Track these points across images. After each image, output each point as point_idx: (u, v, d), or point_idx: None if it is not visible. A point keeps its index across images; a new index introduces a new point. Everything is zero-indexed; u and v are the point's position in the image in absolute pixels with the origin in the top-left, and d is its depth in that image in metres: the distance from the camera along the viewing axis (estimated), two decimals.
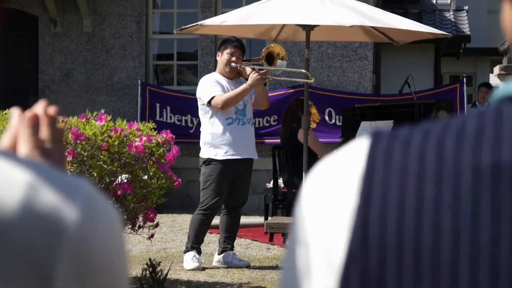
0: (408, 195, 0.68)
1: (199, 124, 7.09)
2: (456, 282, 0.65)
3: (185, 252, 6.88)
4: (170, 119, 11.65)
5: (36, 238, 0.72)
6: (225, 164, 6.72)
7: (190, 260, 6.76)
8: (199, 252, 6.85)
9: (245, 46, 7.17)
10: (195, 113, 11.40)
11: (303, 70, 7.25)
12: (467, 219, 0.66)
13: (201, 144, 6.89)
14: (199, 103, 6.88)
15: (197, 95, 6.90)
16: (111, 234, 0.77)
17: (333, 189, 0.72)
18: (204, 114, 6.86)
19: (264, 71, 6.72)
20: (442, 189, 0.67)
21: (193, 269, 6.69)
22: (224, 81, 6.84)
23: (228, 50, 6.86)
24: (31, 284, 0.72)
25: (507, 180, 0.66)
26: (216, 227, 7.43)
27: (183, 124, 11.60)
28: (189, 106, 11.36)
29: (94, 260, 0.74)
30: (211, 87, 6.76)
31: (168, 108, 11.68)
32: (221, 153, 6.73)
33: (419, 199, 0.68)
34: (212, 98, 6.68)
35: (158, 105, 11.71)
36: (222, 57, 6.90)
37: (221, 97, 6.66)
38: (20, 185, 0.74)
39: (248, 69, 6.74)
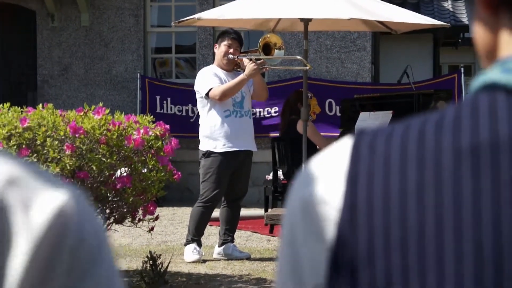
0: (392, 178, 0.72)
1: (199, 114, 7.09)
2: (442, 256, 0.68)
3: (185, 244, 6.88)
4: (171, 110, 11.65)
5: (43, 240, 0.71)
6: (224, 156, 6.72)
7: (190, 252, 6.77)
8: (199, 244, 6.86)
9: (242, 38, 7.16)
10: (195, 103, 11.43)
11: (299, 57, 7.25)
12: (449, 196, 0.69)
13: (200, 137, 6.90)
14: (198, 96, 6.88)
15: (195, 88, 6.91)
16: (96, 235, 0.75)
17: (321, 178, 0.75)
18: (202, 107, 6.87)
19: (261, 61, 6.72)
20: (424, 170, 0.71)
21: (193, 262, 6.70)
22: (222, 74, 6.84)
23: (225, 42, 6.86)
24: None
25: (486, 158, 0.69)
26: (216, 219, 7.44)
27: (184, 114, 11.60)
28: (189, 97, 11.34)
29: (60, 259, 0.73)
30: (208, 79, 6.76)
31: (169, 99, 11.68)
32: (219, 146, 6.74)
33: (402, 181, 0.71)
34: (210, 90, 6.69)
35: (158, 97, 11.71)
36: (220, 49, 6.90)
37: (219, 88, 6.66)
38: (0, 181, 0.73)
39: (245, 60, 6.73)
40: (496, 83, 0.74)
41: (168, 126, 5.30)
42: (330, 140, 8.66)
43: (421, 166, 0.71)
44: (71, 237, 0.73)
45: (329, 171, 0.75)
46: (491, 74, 0.75)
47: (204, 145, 6.82)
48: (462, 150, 0.70)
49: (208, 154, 6.78)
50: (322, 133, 8.91)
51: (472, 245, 0.67)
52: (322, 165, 0.76)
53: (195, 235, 6.83)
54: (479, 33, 0.80)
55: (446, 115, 0.74)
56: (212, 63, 7.22)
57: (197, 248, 6.81)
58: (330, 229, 0.73)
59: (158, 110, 11.50)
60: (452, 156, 0.70)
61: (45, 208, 0.73)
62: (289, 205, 0.78)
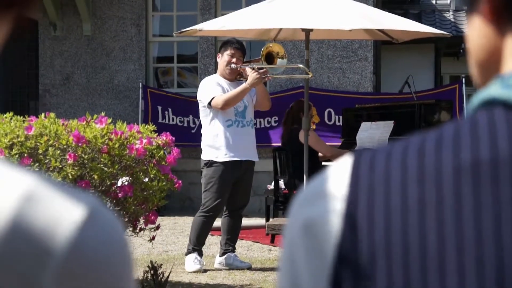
0: (392, 196, 0.72)
1: (200, 125, 7.11)
2: (444, 272, 0.68)
3: (186, 254, 6.88)
4: (172, 120, 11.67)
5: (25, 254, 0.70)
6: (226, 166, 6.72)
7: (191, 262, 6.76)
8: (200, 254, 6.85)
9: (245, 47, 7.17)
10: (196, 114, 11.41)
11: (301, 66, 7.24)
12: (450, 213, 0.69)
13: (202, 146, 6.90)
14: (200, 105, 6.89)
15: (198, 98, 6.91)
16: (113, 253, 0.74)
17: (322, 198, 0.76)
18: (205, 116, 6.87)
19: (263, 70, 6.73)
20: (424, 187, 0.71)
21: (194, 272, 6.70)
22: (224, 83, 6.85)
23: (228, 52, 6.87)
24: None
25: (487, 175, 0.69)
26: (217, 229, 7.43)
27: (185, 125, 11.62)
28: (191, 107, 11.39)
29: (87, 279, 0.72)
30: (211, 88, 6.77)
31: (170, 110, 11.70)
32: (221, 155, 6.75)
33: (403, 198, 0.71)
34: (212, 99, 6.70)
35: (159, 107, 11.72)
36: (223, 59, 6.91)
37: (221, 97, 6.67)
38: (16, 197, 0.72)
39: (248, 69, 6.75)
40: (496, 99, 0.74)
41: (173, 138, 5.32)
42: (333, 148, 8.66)
43: (421, 182, 0.71)
44: (91, 256, 0.72)
45: (329, 190, 0.75)
46: (491, 90, 0.75)
47: (206, 154, 6.83)
48: (462, 167, 0.70)
49: (210, 163, 6.78)
50: None
51: (474, 262, 0.68)
52: (322, 184, 0.77)
53: (196, 245, 6.83)
54: (477, 43, 0.79)
55: (445, 132, 0.74)
56: (214, 73, 7.23)
57: (198, 257, 6.80)
58: (331, 247, 0.73)
59: (160, 120, 11.51)
60: (452, 173, 0.70)
61: (65, 228, 0.72)
62: (289, 224, 0.78)
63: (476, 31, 0.79)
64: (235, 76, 6.91)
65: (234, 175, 6.75)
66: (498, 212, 0.68)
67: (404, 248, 0.70)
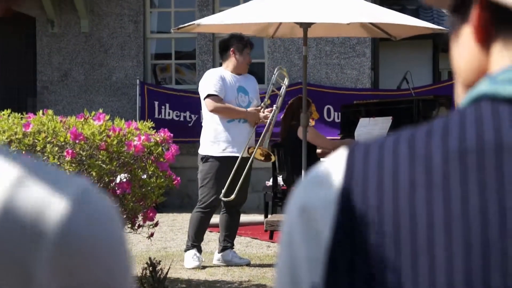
0: (385, 179, 0.77)
1: (197, 119, 7.13)
2: (432, 250, 0.73)
3: (185, 250, 6.88)
4: (169, 115, 11.66)
5: (17, 237, 0.72)
6: (222, 161, 6.72)
7: (190, 259, 6.77)
8: (199, 250, 6.86)
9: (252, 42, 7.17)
10: (193, 109, 11.45)
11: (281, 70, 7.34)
12: (439, 194, 0.74)
13: (200, 140, 6.91)
14: (201, 98, 6.89)
15: (199, 90, 6.93)
16: (105, 232, 0.76)
17: (319, 184, 0.80)
18: (206, 109, 6.87)
19: (266, 115, 6.84)
20: (415, 170, 0.76)
21: (193, 268, 6.70)
22: (229, 76, 6.83)
23: (248, 51, 6.94)
24: (12, 283, 0.72)
25: (473, 161, 0.75)
26: (216, 225, 7.43)
27: (182, 119, 11.61)
28: (188, 103, 11.38)
29: (80, 259, 0.74)
30: (211, 83, 6.76)
31: (167, 105, 11.70)
32: (219, 150, 6.75)
33: (394, 181, 0.76)
34: (208, 95, 6.71)
35: (156, 103, 11.72)
36: (242, 57, 6.88)
37: (216, 103, 6.69)
38: (6, 180, 0.74)
39: (264, 107, 6.89)
40: (485, 94, 0.78)
41: (172, 134, 5.32)
42: (334, 140, 8.66)
43: (412, 166, 0.76)
44: (82, 236, 0.74)
45: (326, 177, 0.80)
46: (480, 87, 0.79)
47: (203, 149, 6.84)
48: (450, 153, 0.76)
49: (206, 158, 6.79)
50: None
51: (461, 240, 0.72)
52: (320, 172, 0.81)
53: (195, 241, 6.83)
54: (466, 64, 0.83)
55: (435, 124, 0.79)
56: (212, 68, 7.23)
57: (197, 254, 6.80)
58: (326, 230, 0.77)
59: (156, 116, 11.50)
60: (441, 158, 0.76)
61: (56, 209, 0.74)
62: (288, 209, 0.82)
63: (464, 52, 0.84)
64: (247, 71, 6.99)
65: (230, 170, 6.74)
66: (483, 194, 0.73)
67: (396, 227, 0.75)
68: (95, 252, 0.75)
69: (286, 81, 7.30)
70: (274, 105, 7.09)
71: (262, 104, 6.93)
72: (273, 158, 7.25)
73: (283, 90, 7.26)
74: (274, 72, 7.33)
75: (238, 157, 6.75)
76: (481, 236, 0.72)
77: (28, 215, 0.73)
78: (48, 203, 0.74)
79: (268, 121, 6.89)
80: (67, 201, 0.74)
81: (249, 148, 6.81)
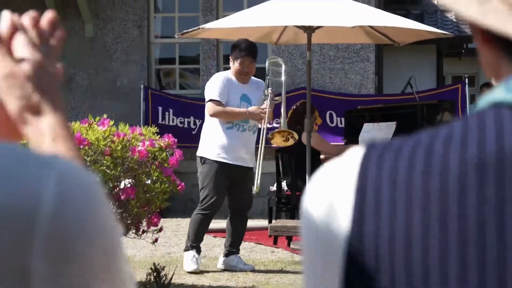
0: (398, 189, 0.75)
1: (201, 126, 7.13)
2: (446, 261, 0.72)
3: (185, 250, 6.88)
4: (173, 121, 11.66)
5: (9, 227, 0.74)
6: (218, 164, 6.74)
7: (189, 261, 6.76)
8: (198, 251, 6.85)
9: (255, 47, 6.99)
10: (197, 115, 11.44)
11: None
12: (454, 206, 0.72)
13: (199, 141, 6.95)
14: (206, 100, 6.91)
15: (205, 92, 6.94)
16: (91, 209, 0.78)
17: (332, 189, 0.79)
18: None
19: (266, 112, 6.77)
20: (430, 180, 0.74)
21: (191, 271, 6.69)
22: (235, 83, 6.83)
23: (238, 61, 6.80)
24: (6, 272, 0.73)
25: (492, 170, 0.73)
26: (221, 230, 7.43)
27: (186, 126, 11.61)
28: (192, 109, 11.38)
29: (73, 240, 0.76)
30: (215, 88, 6.76)
31: (171, 111, 11.69)
32: (213, 154, 6.76)
33: (408, 191, 0.74)
34: (210, 100, 6.71)
35: (160, 108, 11.72)
36: (234, 65, 6.85)
37: (216, 107, 6.69)
38: None
39: (267, 104, 6.79)
40: (502, 102, 0.77)
41: (176, 140, 5.32)
42: (338, 146, 8.65)
43: (427, 176, 0.74)
44: (72, 215, 0.76)
45: (339, 182, 0.78)
46: (496, 94, 0.78)
47: (201, 150, 6.90)
48: (468, 163, 0.73)
49: (203, 160, 6.83)
50: None
51: (476, 254, 0.71)
52: (332, 176, 0.80)
53: (194, 241, 6.84)
54: (483, 65, 0.83)
55: (453, 130, 0.77)
56: (216, 72, 7.23)
57: (196, 255, 6.80)
58: (340, 239, 0.76)
59: (160, 121, 11.50)
60: (458, 169, 0.73)
61: (43, 193, 0.75)
62: (302, 221, 0.82)
63: (481, 55, 0.83)
64: (247, 80, 6.89)
65: (226, 176, 6.74)
66: (502, 205, 0.71)
67: (407, 239, 0.73)
68: (84, 228, 0.76)
69: (283, 67, 7.19)
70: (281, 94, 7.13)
71: (265, 92, 6.85)
72: (296, 136, 7.19)
73: (283, 76, 7.17)
74: (266, 65, 7.24)
75: (231, 165, 6.72)
76: (497, 254, 0.71)
77: (17, 206, 0.74)
78: (34, 189, 0.75)
79: (282, 106, 7.01)
80: (53, 183, 0.76)
81: (268, 135, 6.86)
